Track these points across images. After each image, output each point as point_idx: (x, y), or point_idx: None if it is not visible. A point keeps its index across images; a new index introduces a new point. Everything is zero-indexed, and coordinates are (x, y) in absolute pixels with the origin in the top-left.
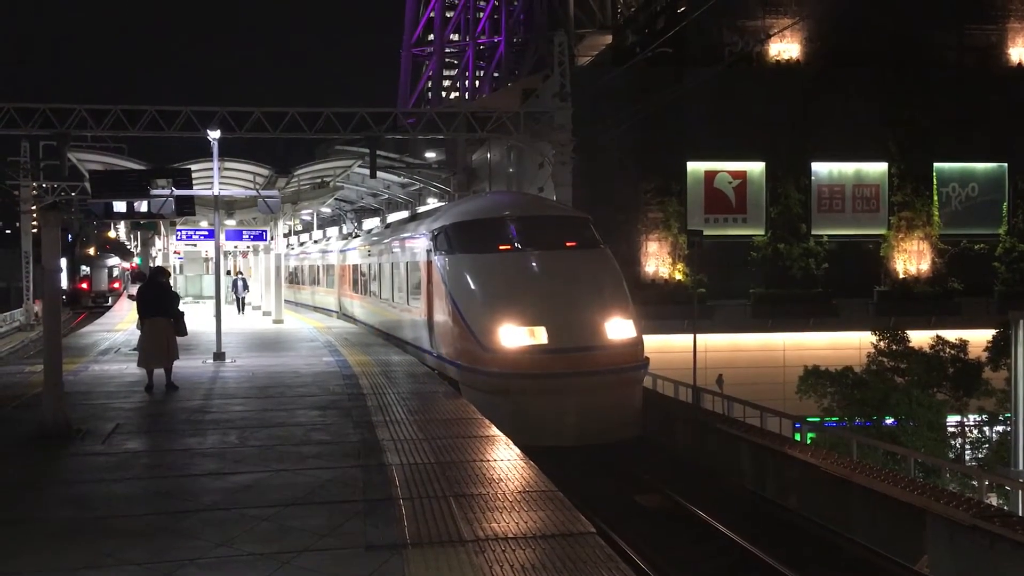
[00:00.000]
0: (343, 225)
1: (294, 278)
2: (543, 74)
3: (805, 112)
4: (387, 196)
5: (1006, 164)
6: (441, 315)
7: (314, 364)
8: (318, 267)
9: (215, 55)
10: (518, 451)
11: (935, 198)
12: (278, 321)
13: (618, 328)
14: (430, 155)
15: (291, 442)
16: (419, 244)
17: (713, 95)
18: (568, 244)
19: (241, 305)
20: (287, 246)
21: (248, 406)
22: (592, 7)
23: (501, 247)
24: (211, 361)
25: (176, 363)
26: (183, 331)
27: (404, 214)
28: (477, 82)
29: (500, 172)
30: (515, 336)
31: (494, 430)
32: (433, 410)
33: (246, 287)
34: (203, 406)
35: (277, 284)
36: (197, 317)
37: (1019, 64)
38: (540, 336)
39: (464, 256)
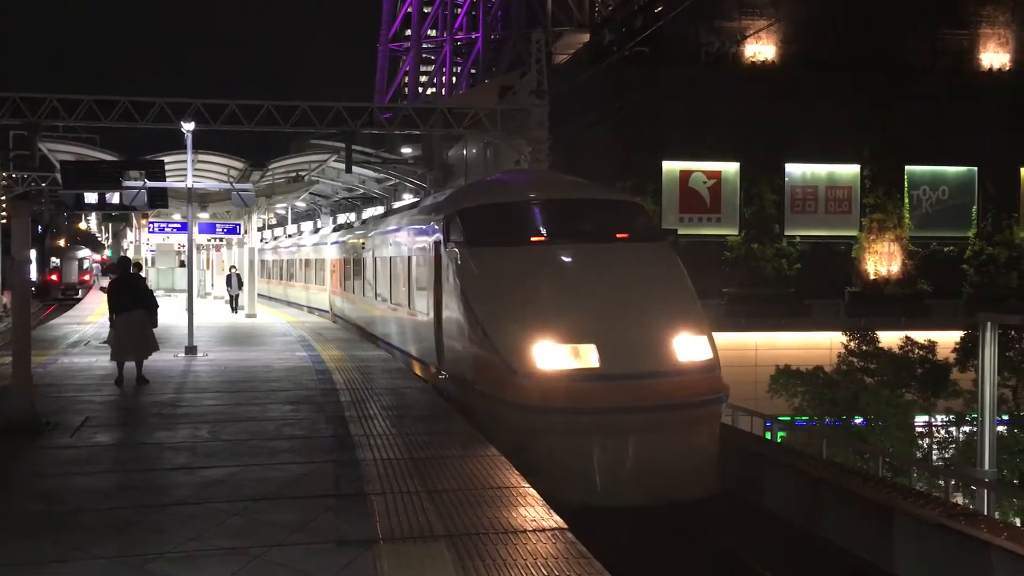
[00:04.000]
0: (324, 215)
1: (279, 273)
2: (520, 71)
3: (780, 113)
4: (363, 191)
5: (976, 168)
6: (452, 323)
7: (287, 359)
8: (304, 262)
9: (189, 48)
10: (492, 448)
11: (906, 201)
12: (251, 315)
13: (690, 347)
14: (406, 151)
15: (263, 437)
16: (426, 233)
17: (689, 95)
18: (619, 236)
19: (235, 303)
20: (273, 237)
21: (220, 400)
22: (570, 5)
23: (533, 239)
24: (182, 355)
25: (148, 356)
26: (155, 323)
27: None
28: (454, 78)
29: (477, 169)
30: (555, 357)
31: (466, 425)
32: (407, 406)
33: (241, 284)
34: (174, 400)
35: (251, 278)
36: (169, 310)
37: (990, 69)
38: (588, 357)
39: (485, 250)
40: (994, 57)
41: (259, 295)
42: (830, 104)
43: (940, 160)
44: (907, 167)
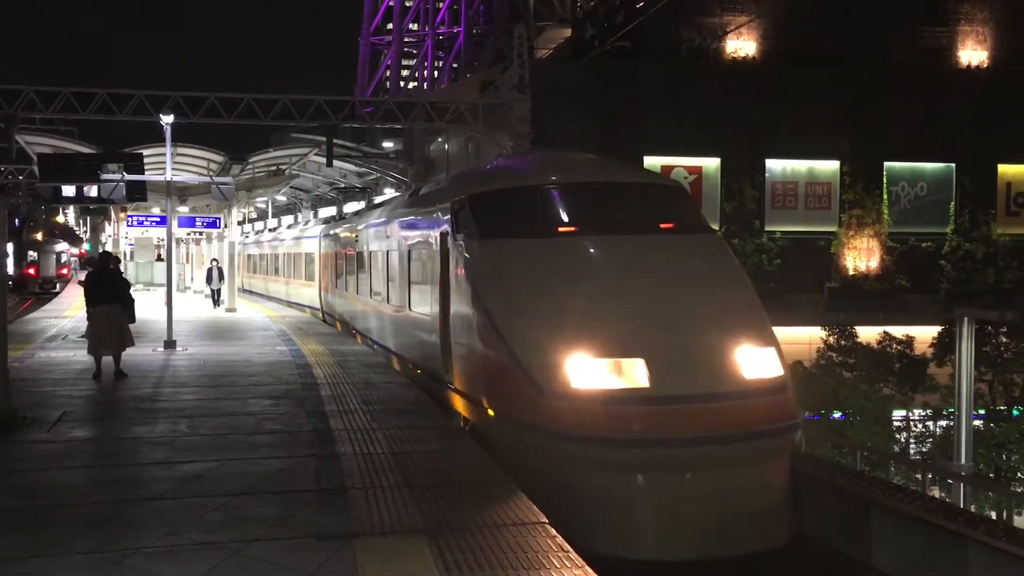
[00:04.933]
0: (304, 209)
1: (264, 268)
2: (502, 66)
3: (760, 109)
4: (344, 185)
5: (954, 164)
6: (462, 328)
7: (267, 353)
8: (291, 256)
9: (171, 38)
10: (472, 442)
11: (885, 197)
12: (231, 310)
13: (757, 361)
14: (388, 145)
15: (243, 431)
16: (429, 223)
17: (670, 90)
18: (663, 226)
19: (217, 298)
20: (255, 232)
21: (199, 395)
22: (552, 0)
23: (561, 229)
24: (161, 349)
25: (125, 351)
26: (132, 318)
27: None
28: (436, 72)
29: (458, 163)
30: (593, 374)
31: (446, 420)
32: (387, 400)
33: (222, 277)
34: (153, 394)
35: (231, 272)
36: (148, 304)
37: (968, 66)
38: (635, 375)
39: (502, 242)
40: (972, 54)
41: (247, 291)
42: (810, 100)
43: (919, 157)
44: (886, 163)
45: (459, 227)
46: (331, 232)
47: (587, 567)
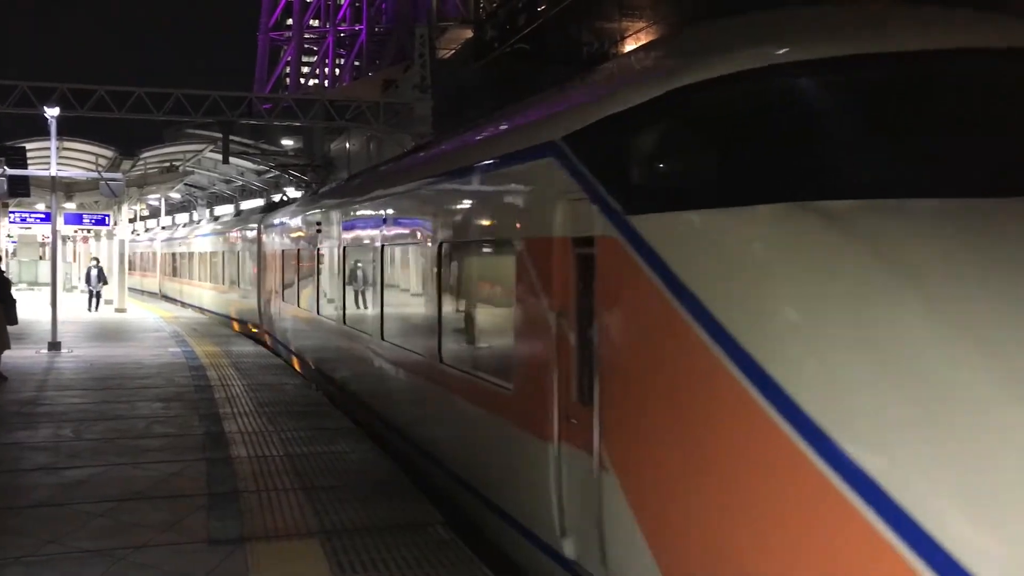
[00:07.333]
0: (200, 207)
1: (187, 269)
2: (404, 65)
3: None
4: (241, 183)
5: None
6: (644, 430)
7: (159, 355)
8: (221, 256)
9: (56, 26)
10: (370, 443)
11: None
12: (121, 310)
13: None
14: (287, 143)
15: (131, 435)
16: (514, 187)
17: None
18: None
19: (95, 300)
20: (154, 227)
21: (85, 398)
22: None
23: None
24: (45, 351)
25: (5, 353)
26: (13, 319)
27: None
28: (337, 70)
29: (359, 162)
30: None
31: (347, 422)
32: (284, 402)
33: (102, 278)
34: (35, 398)
35: (121, 271)
36: (32, 305)
37: None
38: None
39: (808, 213)
40: None
41: (167, 297)
42: None
43: None
44: None
45: (615, 182)
46: (279, 223)
47: (482, 565)
